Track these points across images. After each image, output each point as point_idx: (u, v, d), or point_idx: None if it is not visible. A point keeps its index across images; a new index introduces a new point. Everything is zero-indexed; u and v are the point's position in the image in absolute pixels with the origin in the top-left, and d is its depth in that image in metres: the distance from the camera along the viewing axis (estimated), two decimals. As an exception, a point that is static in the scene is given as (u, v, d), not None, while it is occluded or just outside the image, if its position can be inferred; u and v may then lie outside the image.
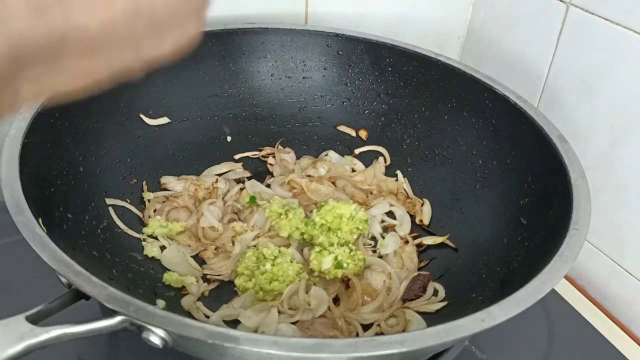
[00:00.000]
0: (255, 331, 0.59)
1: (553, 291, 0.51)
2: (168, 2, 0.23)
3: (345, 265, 0.66)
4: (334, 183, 0.81)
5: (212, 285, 0.66)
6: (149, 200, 0.74)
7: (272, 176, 0.82)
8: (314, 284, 0.65)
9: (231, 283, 0.66)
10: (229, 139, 0.84)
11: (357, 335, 0.61)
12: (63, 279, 0.44)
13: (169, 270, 0.66)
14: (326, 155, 0.85)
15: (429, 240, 0.73)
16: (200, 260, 0.69)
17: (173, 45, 0.24)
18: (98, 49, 0.22)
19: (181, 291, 0.65)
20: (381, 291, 0.65)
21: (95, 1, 0.21)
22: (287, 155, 0.84)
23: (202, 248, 0.70)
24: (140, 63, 0.24)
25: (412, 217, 0.77)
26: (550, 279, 0.48)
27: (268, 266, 0.63)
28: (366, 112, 0.85)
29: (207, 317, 0.62)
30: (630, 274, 0.77)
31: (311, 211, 0.72)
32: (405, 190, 0.81)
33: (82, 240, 0.60)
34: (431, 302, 0.65)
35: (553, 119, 0.67)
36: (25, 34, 0.20)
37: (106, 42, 0.22)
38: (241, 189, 0.77)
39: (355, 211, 0.70)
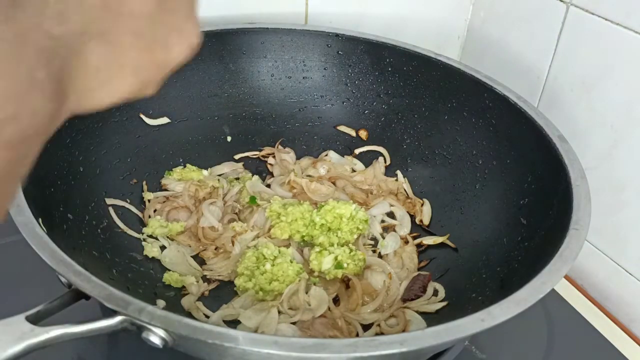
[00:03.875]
0: (255, 331, 0.59)
1: (553, 291, 0.51)
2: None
3: (345, 265, 0.66)
4: (334, 183, 0.81)
5: (212, 285, 0.66)
6: (149, 201, 0.74)
7: (272, 176, 0.82)
8: (314, 284, 0.65)
9: (231, 283, 0.66)
10: (229, 139, 0.84)
11: (357, 335, 0.61)
12: (63, 279, 0.44)
13: (169, 270, 0.66)
14: (326, 155, 0.85)
15: (429, 240, 0.73)
16: (200, 260, 0.69)
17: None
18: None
19: (181, 291, 0.65)
20: (381, 291, 0.65)
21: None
22: (287, 155, 0.84)
23: (202, 248, 0.70)
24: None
25: (412, 217, 0.77)
26: (550, 279, 0.48)
27: (268, 266, 0.63)
28: (366, 112, 0.85)
29: (207, 317, 0.62)
30: (630, 274, 0.76)
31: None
32: (405, 190, 0.81)
33: (82, 240, 0.60)
34: (431, 302, 0.65)
35: (553, 119, 0.67)
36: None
37: None
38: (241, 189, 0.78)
39: (355, 211, 0.70)
